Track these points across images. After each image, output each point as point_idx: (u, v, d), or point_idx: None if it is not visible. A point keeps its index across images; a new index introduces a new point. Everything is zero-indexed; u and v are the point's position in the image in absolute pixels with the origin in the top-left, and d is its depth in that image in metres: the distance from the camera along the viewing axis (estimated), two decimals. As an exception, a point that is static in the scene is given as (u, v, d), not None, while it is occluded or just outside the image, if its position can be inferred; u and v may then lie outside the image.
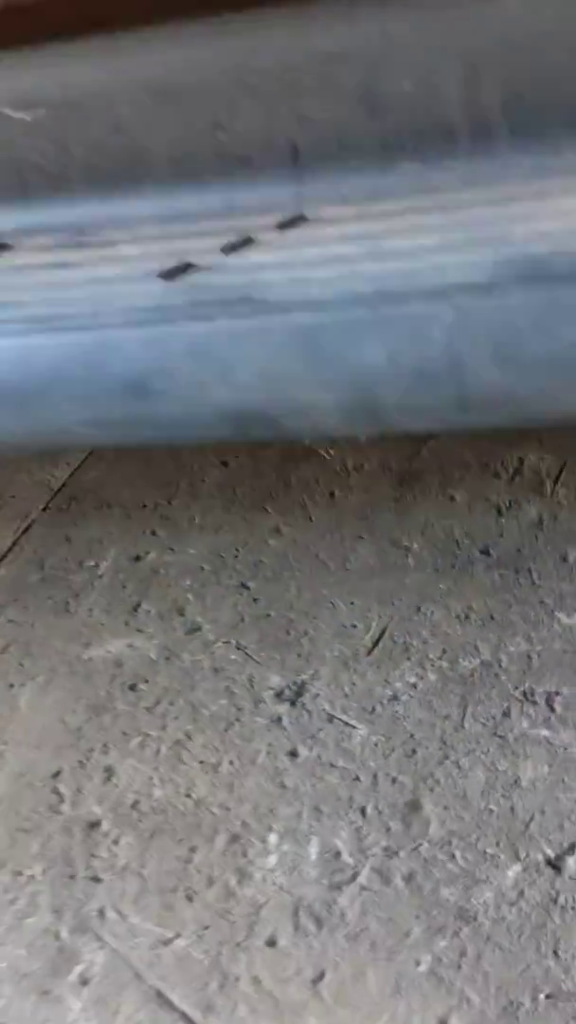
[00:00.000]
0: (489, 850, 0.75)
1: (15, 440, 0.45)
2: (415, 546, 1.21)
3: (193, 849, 0.77)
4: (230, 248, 0.47)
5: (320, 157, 0.50)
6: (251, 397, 0.40)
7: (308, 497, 1.39)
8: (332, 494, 1.39)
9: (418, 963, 0.66)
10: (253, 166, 0.51)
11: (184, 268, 0.45)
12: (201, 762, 0.87)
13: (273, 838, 0.78)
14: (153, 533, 1.33)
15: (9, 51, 0.48)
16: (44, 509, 1.34)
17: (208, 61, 0.49)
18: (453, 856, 0.74)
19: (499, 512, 1.27)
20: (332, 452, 1.52)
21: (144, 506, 1.42)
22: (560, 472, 1.35)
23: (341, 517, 1.32)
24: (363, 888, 0.72)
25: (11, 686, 0.99)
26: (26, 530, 1.29)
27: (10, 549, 1.25)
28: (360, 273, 0.39)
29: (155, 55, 0.49)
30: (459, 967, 0.65)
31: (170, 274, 0.44)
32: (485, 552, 1.18)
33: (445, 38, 0.47)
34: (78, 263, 0.50)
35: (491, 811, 0.79)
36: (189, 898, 0.73)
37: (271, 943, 0.69)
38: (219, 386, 0.39)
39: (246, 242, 0.48)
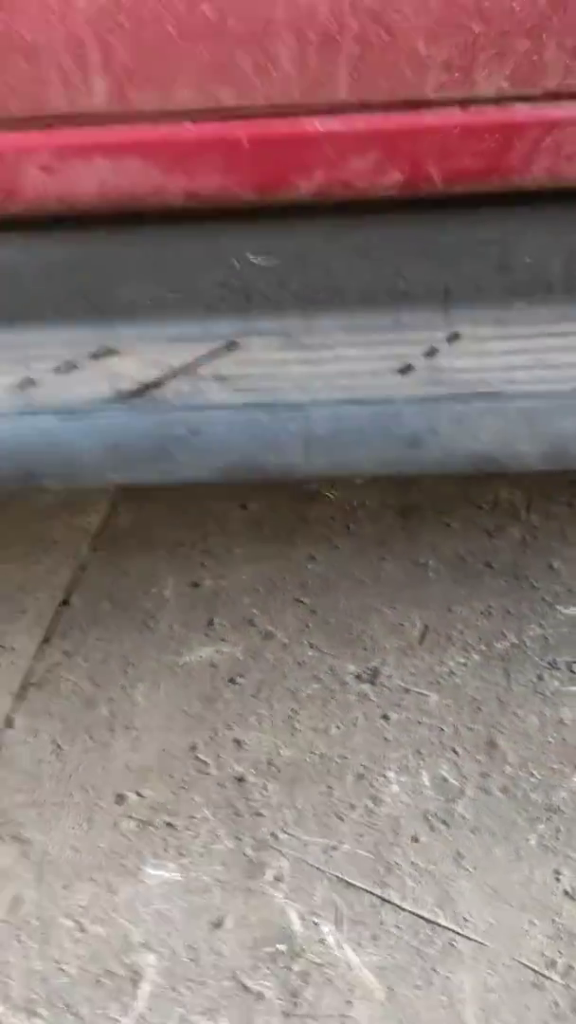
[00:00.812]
0: (555, 766, 1.03)
1: (325, 472, 0.70)
2: (431, 563, 1.51)
3: (330, 787, 1.00)
4: (428, 354, 0.76)
5: (464, 296, 0.81)
6: (488, 448, 0.68)
7: (328, 530, 1.66)
8: (348, 527, 1.68)
9: (528, 839, 0.92)
10: (417, 300, 0.81)
11: (408, 368, 0.73)
12: (313, 729, 1.10)
13: (391, 774, 1.02)
14: (202, 564, 1.56)
15: (257, 220, 0.76)
16: (93, 550, 1.55)
17: (396, 234, 0.80)
18: (532, 773, 1.02)
19: (489, 534, 1.60)
20: (335, 493, 1.81)
21: (183, 544, 1.64)
22: (529, 504, 1.71)
23: (362, 544, 1.60)
24: (472, 799, 0.98)
25: (123, 687, 1.18)
26: (83, 568, 1.49)
27: (74, 583, 1.44)
28: (557, 375, 0.69)
29: (365, 230, 0.79)
30: (558, 838, 0.92)
31: (403, 371, 0.72)
32: (488, 565, 1.49)
33: (553, 235, 0.79)
34: (309, 360, 0.77)
35: (549, 742, 1.07)
36: (340, 818, 0.95)
37: (415, 839, 0.92)
38: (468, 441, 0.67)
39: (432, 351, 0.77)
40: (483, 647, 1.27)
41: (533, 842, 0.93)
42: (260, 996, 0.77)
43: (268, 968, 0.80)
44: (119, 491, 1.80)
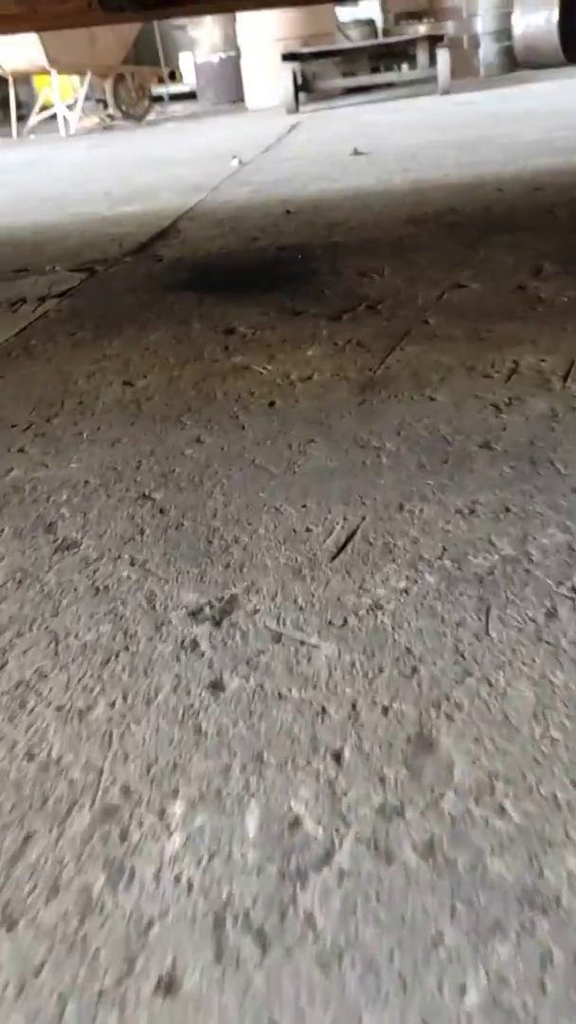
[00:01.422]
0: (560, 794, 0.46)
1: None
2: (388, 445, 0.95)
3: (27, 838, 0.47)
4: None
5: None
6: None
7: (241, 408, 1.11)
8: (272, 404, 1.12)
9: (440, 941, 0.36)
10: None
11: None
12: (59, 708, 0.56)
13: (178, 808, 0.47)
14: (21, 451, 1.04)
15: None
16: None
17: None
18: (502, 810, 0.46)
19: (498, 409, 1.02)
20: (269, 367, 1.26)
21: (13, 426, 1.13)
22: (569, 370, 1.12)
23: (285, 424, 1.05)
24: (345, 874, 0.43)
25: None
26: None
27: None
28: None
29: None
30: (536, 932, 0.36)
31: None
32: (486, 446, 0.92)
33: None
34: None
35: (553, 739, 0.50)
36: (8, 927, 0.42)
37: (169, 989, 0.38)
38: None
39: None
40: (448, 563, 0.70)
41: (443, 953, 0.37)
42: None
43: None
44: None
